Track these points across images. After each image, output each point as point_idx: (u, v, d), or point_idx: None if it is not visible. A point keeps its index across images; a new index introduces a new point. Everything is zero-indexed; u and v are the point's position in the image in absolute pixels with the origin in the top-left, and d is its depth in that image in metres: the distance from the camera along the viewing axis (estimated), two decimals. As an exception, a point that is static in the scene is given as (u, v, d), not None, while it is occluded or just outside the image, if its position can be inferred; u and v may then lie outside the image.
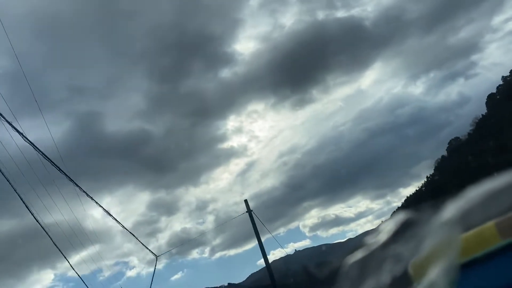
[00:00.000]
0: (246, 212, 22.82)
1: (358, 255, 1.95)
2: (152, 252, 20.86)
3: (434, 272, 1.69)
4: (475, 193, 1.74)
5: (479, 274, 1.72)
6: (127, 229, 19.34)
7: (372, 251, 1.91)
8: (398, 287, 1.85)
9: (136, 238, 19.92)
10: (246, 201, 23.43)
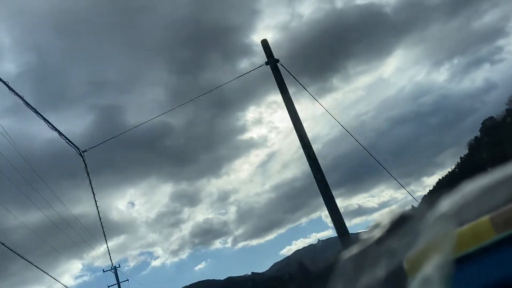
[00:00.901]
0: (266, 63, 14.83)
1: (353, 250, 1.98)
2: (76, 148, 18.28)
3: (429, 267, 1.69)
4: (470, 187, 1.73)
5: (474, 268, 1.71)
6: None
7: (367, 246, 1.93)
8: (393, 282, 1.86)
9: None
10: (264, 42, 14.88)
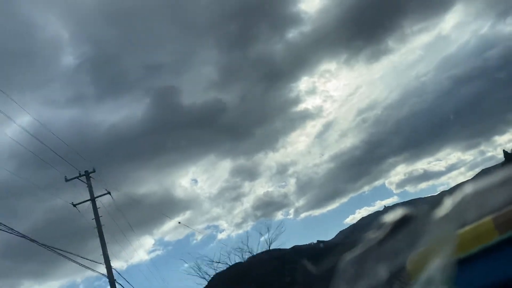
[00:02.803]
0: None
1: (355, 251, 1.97)
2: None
3: (432, 268, 1.69)
4: (472, 188, 1.72)
5: (476, 269, 1.71)
6: None
7: (369, 247, 1.92)
8: (396, 284, 1.85)
9: None
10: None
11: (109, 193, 21.60)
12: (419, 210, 1.84)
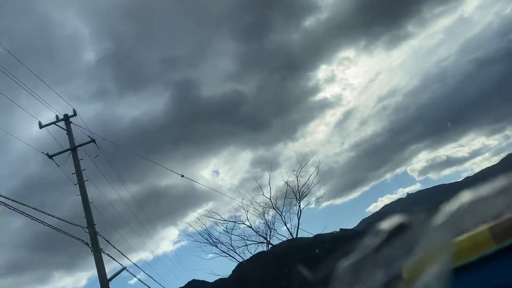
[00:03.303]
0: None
1: (351, 258, 1.98)
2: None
3: (428, 276, 1.70)
4: (469, 197, 1.72)
5: (473, 278, 1.71)
6: None
7: (365, 254, 1.94)
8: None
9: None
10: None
11: (93, 141, 17.61)
12: (416, 217, 1.84)
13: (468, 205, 1.71)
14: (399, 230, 1.89)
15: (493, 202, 1.68)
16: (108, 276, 16.46)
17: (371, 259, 1.89)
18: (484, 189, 1.71)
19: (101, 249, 16.28)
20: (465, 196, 1.72)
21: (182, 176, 22.24)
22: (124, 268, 17.67)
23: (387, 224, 1.94)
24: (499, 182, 1.68)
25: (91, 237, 16.30)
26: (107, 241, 16.75)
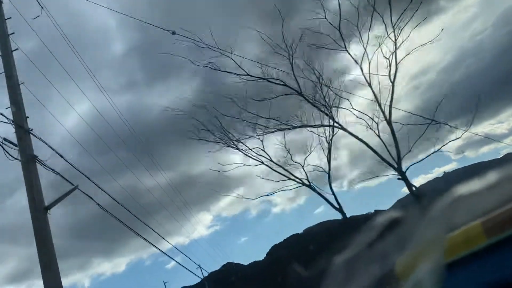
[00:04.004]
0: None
1: (345, 254, 2.00)
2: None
3: (420, 271, 1.71)
4: (461, 192, 1.71)
5: (465, 273, 1.71)
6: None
7: (359, 250, 1.95)
8: (384, 286, 1.88)
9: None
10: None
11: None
12: (409, 213, 1.84)
13: (460, 200, 1.70)
14: (392, 225, 1.90)
15: (485, 197, 1.66)
16: (48, 202, 10.32)
17: (365, 255, 1.90)
18: (476, 184, 1.69)
19: (36, 157, 10.33)
20: (457, 191, 1.71)
21: (173, 33, 19.49)
22: (75, 188, 10.68)
23: (380, 220, 1.94)
24: (491, 177, 1.66)
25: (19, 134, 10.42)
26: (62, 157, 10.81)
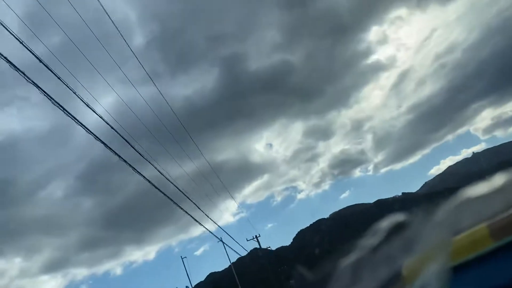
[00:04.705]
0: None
1: (351, 258, 2.00)
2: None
3: (427, 275, 1.70)
4: (467, 195, 1.69)
5: (471, 276, 1.70)
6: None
7: (364, 253, 1.95)
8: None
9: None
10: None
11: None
12: (414, 216, 1.83)
13: (466, 203, 1.69)
14: (397, 229, 1.89)
15: (492, 200, 1.65)
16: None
17: (370, 259, 1.90)
18: (483, 188, 1.67)
19: None
20: (464, 195, 1.70)
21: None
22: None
23: (385, 223, 1.94)
24: (497, 181, 1.65)
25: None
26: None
